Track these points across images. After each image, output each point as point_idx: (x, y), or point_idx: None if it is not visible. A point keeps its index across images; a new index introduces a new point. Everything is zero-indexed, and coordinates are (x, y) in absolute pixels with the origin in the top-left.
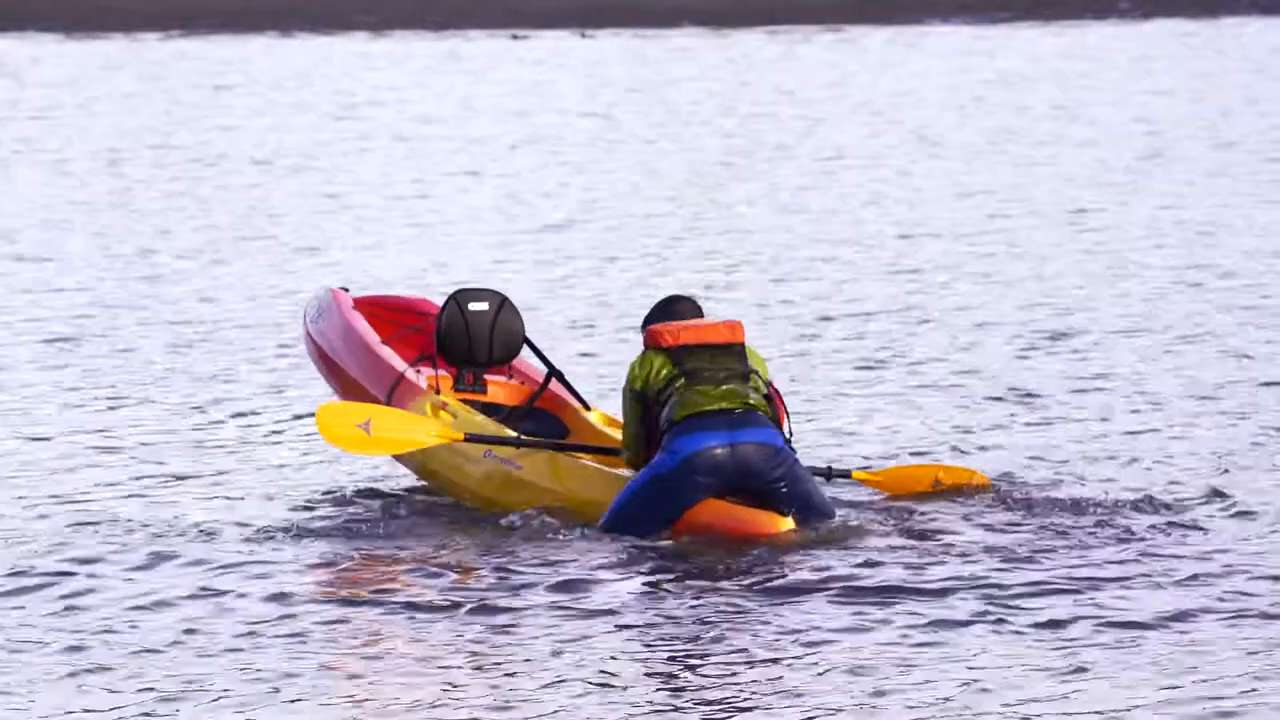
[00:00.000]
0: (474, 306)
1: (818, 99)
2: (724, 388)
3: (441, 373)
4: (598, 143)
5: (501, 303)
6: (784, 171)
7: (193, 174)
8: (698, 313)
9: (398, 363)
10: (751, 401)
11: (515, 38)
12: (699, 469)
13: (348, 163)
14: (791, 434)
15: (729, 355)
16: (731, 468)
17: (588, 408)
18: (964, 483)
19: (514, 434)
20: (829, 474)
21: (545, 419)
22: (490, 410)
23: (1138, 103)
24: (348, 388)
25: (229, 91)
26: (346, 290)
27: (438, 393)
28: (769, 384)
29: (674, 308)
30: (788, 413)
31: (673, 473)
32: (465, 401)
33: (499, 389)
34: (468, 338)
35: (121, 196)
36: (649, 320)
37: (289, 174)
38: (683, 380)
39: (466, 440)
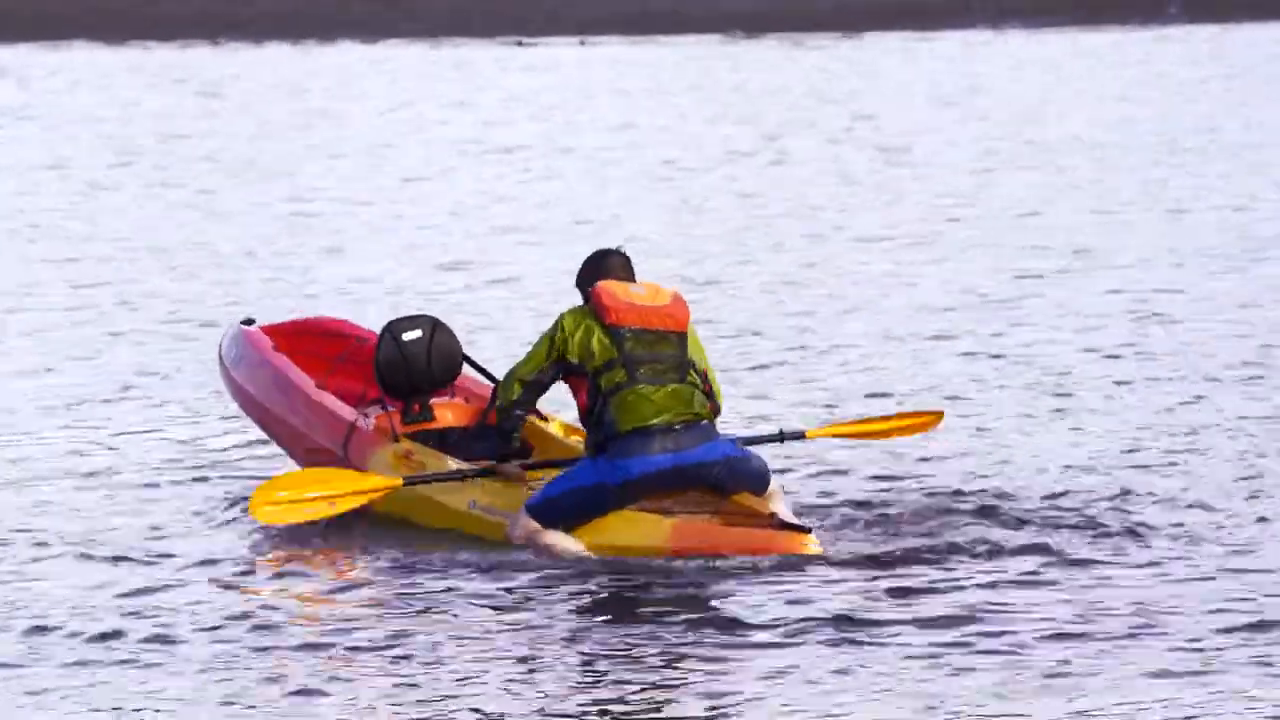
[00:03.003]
0: (408, 336)
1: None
2: (667, 389)
3: (388, 408)
4: (608, 150)
5: (434, 325)
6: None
7: (221, 178)
8: (629, 269)
9: (345, 411)
10: (696, 410)
11: (521, 44)
12: (643, 487)
13: (363, 167)
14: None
15: (669, 343)
16: (677, 483)
17: (545, 419)
18: (919, 420)
19: (454, 466)
20: (781, 437)
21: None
22: (444, 435)
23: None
24: (295, 440)
25: (265, 97)
26: (252, 322)
27: (395, 438)
28: (703, 373)
29: (605, 263)
30: (718, 398)
31: (617, 489)
32: (418, 433)
33: (446, 411)
34: (406, 367)
35: (153, 198)
36: (584, 277)
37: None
38: (623, 372)
39: (405, 485)
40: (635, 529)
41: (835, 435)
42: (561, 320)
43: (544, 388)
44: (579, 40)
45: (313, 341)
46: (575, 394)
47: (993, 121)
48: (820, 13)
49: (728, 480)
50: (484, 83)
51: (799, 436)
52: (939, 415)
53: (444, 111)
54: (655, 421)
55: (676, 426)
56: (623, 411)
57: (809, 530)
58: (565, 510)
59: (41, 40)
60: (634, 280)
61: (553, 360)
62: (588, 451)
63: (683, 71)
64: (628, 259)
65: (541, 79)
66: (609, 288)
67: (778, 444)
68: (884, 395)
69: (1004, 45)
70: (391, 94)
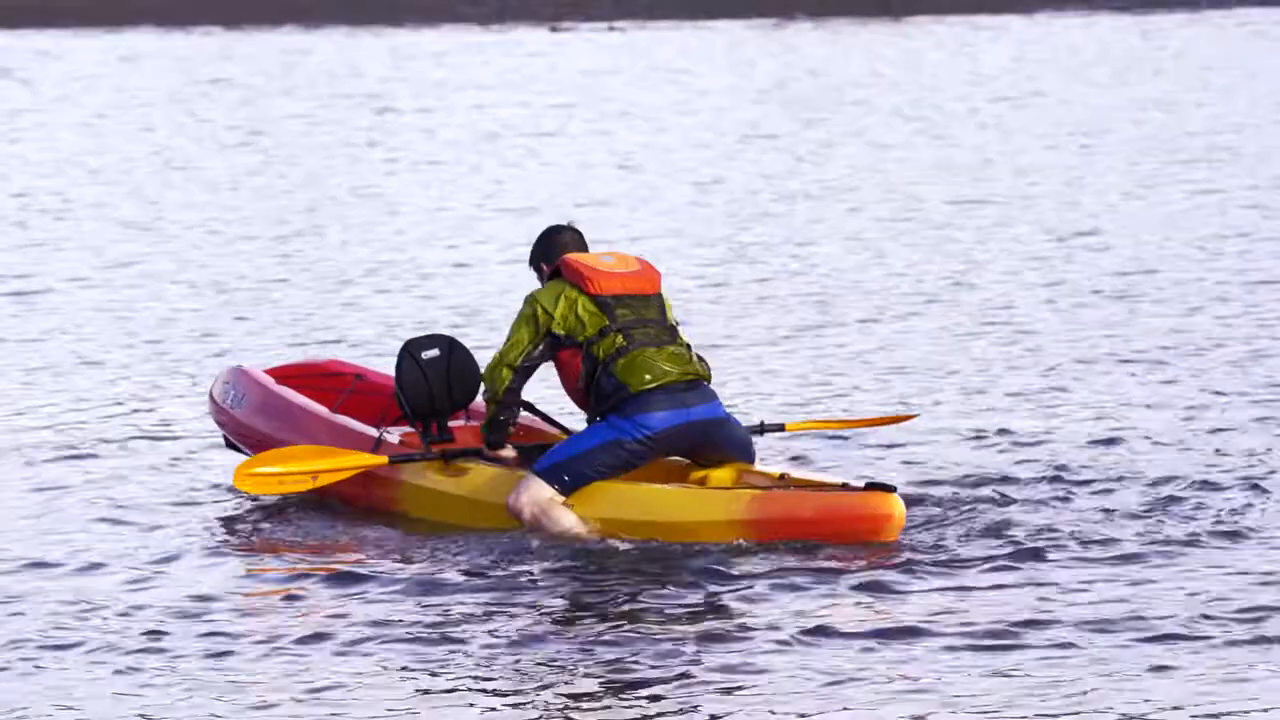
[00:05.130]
0: (426, 354)
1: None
2: (666, 350)
3: (407, 430)
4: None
5: (451, 345)
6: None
7: (286, 164)
8: (582, 244)
9: (368, 430)
10: (699, 370)
11: (554, 30)
12: (660, 444)
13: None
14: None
15: (652, 307)
16: (685, 441)
17: (569, 433)
18: (894, 418)
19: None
20: (761, 429)
21: (529, 455)
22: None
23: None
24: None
25: (339, 84)
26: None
27: (428, 447)
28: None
29: (559, 239)
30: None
31: (637, 444)
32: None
33: (467, 434)
34: (428, 387)
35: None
36: (539, 254)
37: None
38: (620, 337)
39: (391, 464)
40: (704, 504)
41: (814, 428)
42: (537, 298)
43: (533, 371)
44: (608, 27)
45: (311, 381)
46: (562, 370)
47: (1019, 106)
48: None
49: (725, 443)
50: (505, 69)
51: (778, 429)
52: (912, 416)
53: (453, 97)
54: (665, 381)
55: (682, 385)
56: (631, 373)
57: (894, 489)
58: (578, 471)
59: (104, 26)
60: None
61: (540, 339)
62: (593, 418)
63: (719, 56)
64: (580, 234)
65: (571, 63)
66: (581, 259)
67: (757, 436)
68: (878, 382)
69: (1058, 29)
70: (408, 81)
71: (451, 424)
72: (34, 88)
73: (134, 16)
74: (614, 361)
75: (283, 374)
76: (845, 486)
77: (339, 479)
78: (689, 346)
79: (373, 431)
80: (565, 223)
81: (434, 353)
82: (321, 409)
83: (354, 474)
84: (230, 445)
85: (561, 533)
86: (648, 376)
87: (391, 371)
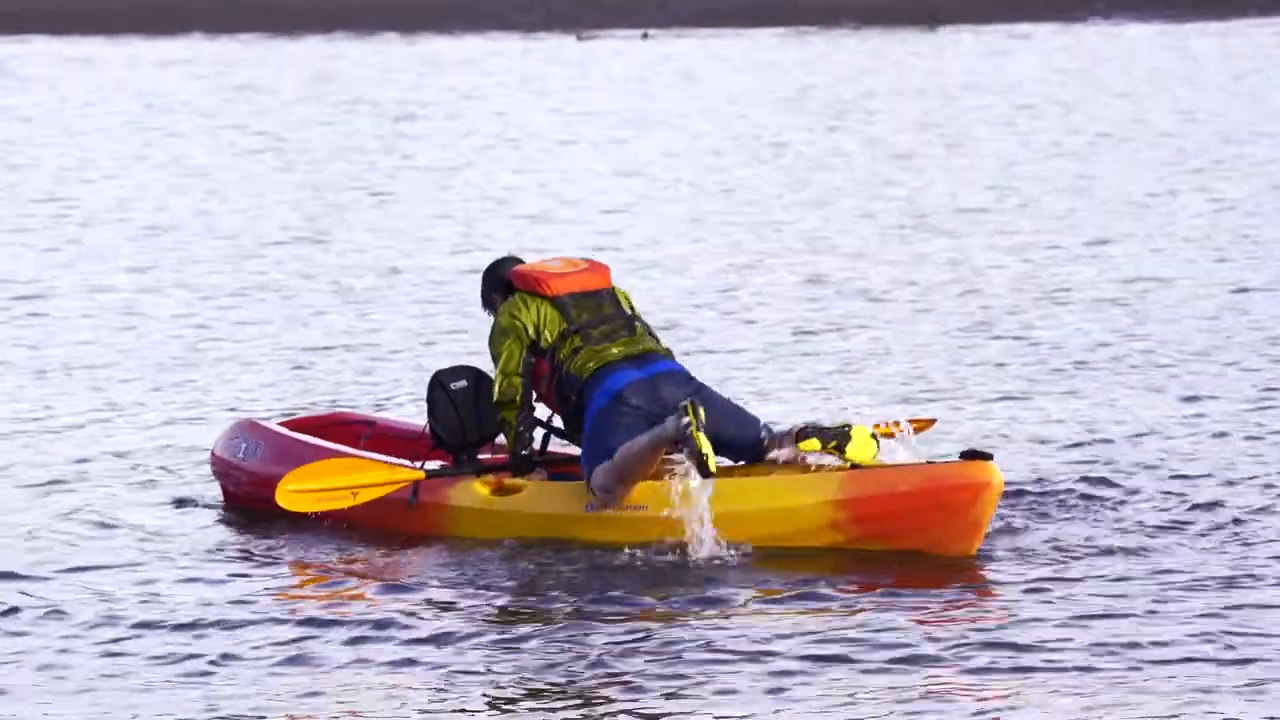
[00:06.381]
0: (455, 385)
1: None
2: (618, 342)
3: (441, 463)
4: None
5: (479, 376)
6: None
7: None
8: None
9: (404, 461)
10: (651, 347)
11: (580, 38)
12: (627, 396)
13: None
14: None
15: (606, 303)
16: (651, 393)
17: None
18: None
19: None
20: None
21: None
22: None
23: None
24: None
25: (383, 91)
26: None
27: (478, 475)
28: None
29: (503, 267)
30: None
31: (609, 406)
32: None
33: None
34: (459, 418)
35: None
36: (490, 287)
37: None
38: (577, 338)
39: (428, 477)
40: (796, 489)
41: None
42: (508, 311)
43: (532, 375)
44: (641, 34)
45: (322, 433)
46: (535, 381)
47: (1045, 113)
48: (942, 6)
49: (718, 411)
50: (518, 79)
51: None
52: (931, 422)
53: (460, 104)
54: (608, 361)
55: (632, 359)
56: (585, 362)
57: (991, 456)
58: (603, 449)
59: (159, 33)
60: None
61: (524, 346)
62: (571, 423)
63: (742, 63)
64: (521, 262)
65: (593, 73)
66: (529, 267)
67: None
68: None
69: (1105, 37)
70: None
71: (483, 457)
72: (65, 93)
73: (185, 23)
74: (569, 361)
75: (290, 427)
76: (930, 463)
77: (378, 495)
78: (651, 333)
79: (412, 464)
80: (506, 254)
81: (462, 384)
82: (351, 449)
83: (393, 492)
84: (235, 502)
85: (640, 452)
86: (592, 364)
87: (397, 419)
